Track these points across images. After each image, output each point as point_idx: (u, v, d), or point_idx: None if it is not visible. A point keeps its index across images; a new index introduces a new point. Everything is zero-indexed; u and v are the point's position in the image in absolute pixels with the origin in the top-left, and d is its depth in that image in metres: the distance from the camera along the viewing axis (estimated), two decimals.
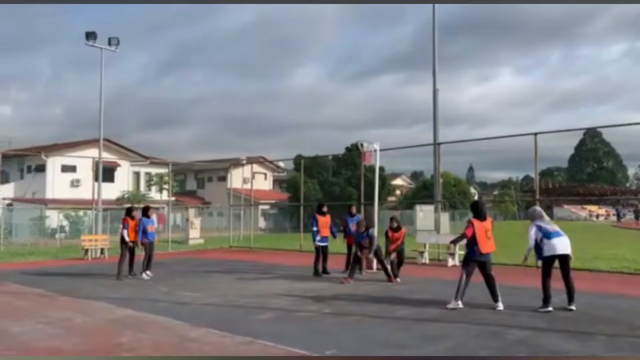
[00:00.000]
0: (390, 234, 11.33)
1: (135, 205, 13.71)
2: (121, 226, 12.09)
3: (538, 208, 8.13)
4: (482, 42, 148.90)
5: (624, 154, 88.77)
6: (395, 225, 11.31)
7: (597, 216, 60.74)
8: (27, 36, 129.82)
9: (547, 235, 7.60)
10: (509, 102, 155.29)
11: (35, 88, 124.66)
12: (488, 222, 7.96)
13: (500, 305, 7.65)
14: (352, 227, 12.05)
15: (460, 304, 7.65)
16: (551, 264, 7.61)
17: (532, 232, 7.68)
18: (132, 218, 11.90)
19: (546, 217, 7.93)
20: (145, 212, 12.08)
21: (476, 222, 7.83)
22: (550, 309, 7.48)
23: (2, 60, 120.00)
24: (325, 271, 12.12)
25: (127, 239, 11.68)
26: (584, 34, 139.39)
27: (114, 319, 7.29)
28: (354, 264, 11.08)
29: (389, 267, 11.05)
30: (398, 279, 10.92)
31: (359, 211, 15.10)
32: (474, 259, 7.83)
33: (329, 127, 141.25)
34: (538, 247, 7.69)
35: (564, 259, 7.60)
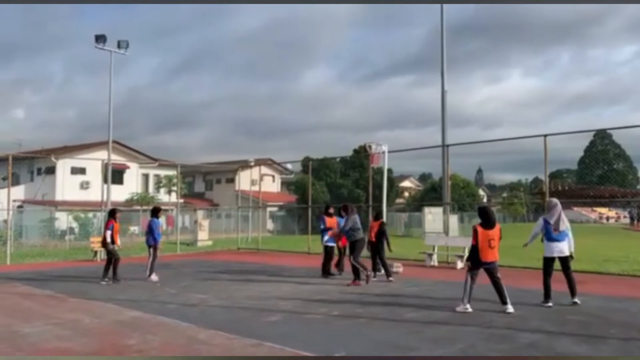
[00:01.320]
0: (370, 223, 12.11)
1: (119, 208, 13.45)
2: (104, 228, 11.81)
3: (554, 201, 8.31)
4: (492, 44, 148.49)
5: (635, 156, 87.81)
6: (374, 213, 12.29)
7: (608, 218, 60.23)
8: (41, 39, 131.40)
9: (549, 236, 8.08)
10: (519, 103, 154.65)
11: (48, 91, 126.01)
12: (495, 231, 7.70)
13: (510, 308, 7.58)
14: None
15: (469, 308, 7.58)
16: (550, 264, 8.16)
17: (538, 226, 8.25)
18: (117, 221, 11.69)
19: (557, 212, 8.12)
20: (156, 213, 12.02)
21: (480, 230, 7.68)
22: (550, 304, 7.97)
23: (16, 63, 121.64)
24: (330, 272, 12.12)
25: (108, 240, 11.45)
26: (594, 35, 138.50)
27: (122, 320, 7.31)
28: (357, 266, 11.03)
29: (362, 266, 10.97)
30: (373, 277, 11.11)
31: (365, 214, 15.07)
32: (476, 264, 7.76)
33: (338, 129, 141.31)
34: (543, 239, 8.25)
35: (563, 259, 8.12)
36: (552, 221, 8.05)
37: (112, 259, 11.45)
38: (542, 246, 8.26)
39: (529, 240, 8.61)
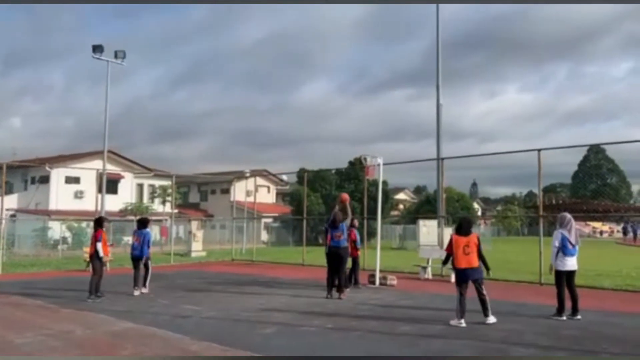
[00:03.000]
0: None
1: (105, 216, 12.83)
2: (93, 239, 10.66)
3: (568, 216, 8.44)
4: (489, 59, 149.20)
5: (628, 171, 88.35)
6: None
7: (601, 233, 60.47)
8: (45, 50, 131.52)
9: (565, 250, 8.17)
10: (515, 117, 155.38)
11: (48, 100, 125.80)
12: (470, 238, 7.88)
13: (491, 320, 7.69)
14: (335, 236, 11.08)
15: (462, 323, 7.60)
16: (564, 277, 8.26)
17: (557, 242, 8.21)
18: (105, 230, 10.96)
19: (573, 227, 8.30)
20: (146, 224, 11.59)
21: (455, 237, 7.95)
22: (564, 318, 8.09)
23: (18, 72, 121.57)
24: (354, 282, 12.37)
25: (101, 254, 10.49)
26: (590, 52, 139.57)
27: (114, 331, 7.26)
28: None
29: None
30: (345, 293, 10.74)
31: (361, 225, 15.11)
32: (457, 276, 8.02)
33: (336, 141, 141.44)
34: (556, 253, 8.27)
35: (571, 273, 8.27)
36: (570, 235, 8.20)
37: (99, 273, 10.58)
38: (537, 258, 8.32)
39: (552, 259, 8.30)
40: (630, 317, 8.61)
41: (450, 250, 7.98)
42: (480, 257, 7.90)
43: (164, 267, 18.18)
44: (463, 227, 8.04)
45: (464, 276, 7.83)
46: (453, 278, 13.82)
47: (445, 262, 8.42)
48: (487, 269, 8.04)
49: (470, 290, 7.84)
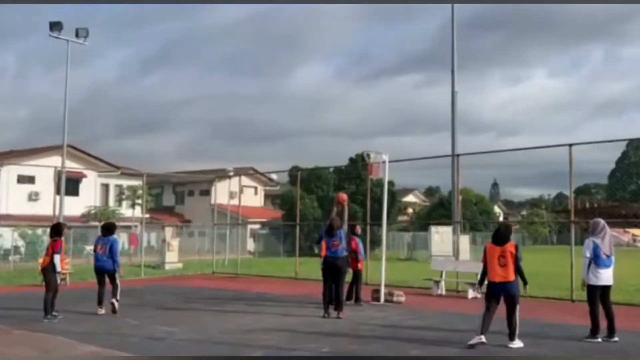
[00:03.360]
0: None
1: (65, 222, 12.81)
2: (50, 249, 10.41)
3: (601, 222, 8.50)
4: (510, 40, 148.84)
5: None
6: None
7: None
8: None
9: (597, 261, 8.18)
10: (542, 107, 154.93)
11: None
12: (506, 247, 7.89)
13: (516, 344, 7.67)
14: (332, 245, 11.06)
15: (482, 338, 7.64)
16: (597, 293, 8.24)
17: (588, 252, 8.23)
18: (64, 239, 10.90)
19: (607, 235, 8.34)
20: (112, 230, 11.47)
21: (489, 246, 8.03)
22: (599, 340, 8.10)
23: None
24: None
25: (58, 268, 10.33)
26: (629, 31, 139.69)
27: (76, 356, 7.26)
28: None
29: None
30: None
31: (363, 232, 15.14)
32: (489, 289, 8.02)
33: (336, 134, 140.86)
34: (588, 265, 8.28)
35: (605, 288, 8.27)
36: (602, 244, 8.23)
37: (54, 288, 10.38)
38: (568, 271, 8.35)
39: (583, 273, 8.33)
40: None
41: (485, 261, 8.01)
42: (517, 269, 7.86)
43: (133, 281, 18.15)
44: (499, 235, 8.06)
45: (497, 291, 7.85)
46: (470, 294, 13.91)
47: (482, 279, 8.47)
48: (525, 283, 8.08)
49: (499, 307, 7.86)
